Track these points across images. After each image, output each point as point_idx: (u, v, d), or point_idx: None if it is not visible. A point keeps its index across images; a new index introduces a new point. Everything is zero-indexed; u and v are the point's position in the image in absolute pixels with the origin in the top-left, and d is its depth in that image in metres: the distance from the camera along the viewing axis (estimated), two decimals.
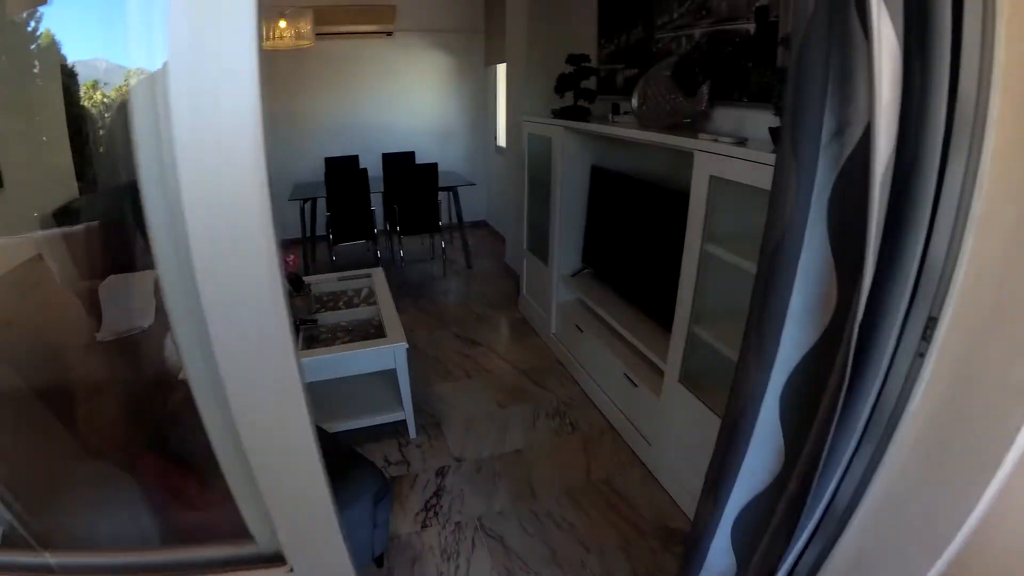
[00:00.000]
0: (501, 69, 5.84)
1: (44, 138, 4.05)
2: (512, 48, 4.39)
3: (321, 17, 5.69)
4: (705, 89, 2.26)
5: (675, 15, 2.60)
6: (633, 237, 2.80)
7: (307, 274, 5.02)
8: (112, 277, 3.57)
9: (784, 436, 1.16)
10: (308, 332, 2.94)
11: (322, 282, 3.58)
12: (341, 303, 3.29)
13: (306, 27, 4.28)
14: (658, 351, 2.42)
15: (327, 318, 3.07)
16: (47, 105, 4.24)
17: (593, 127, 2.84)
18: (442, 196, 5.14)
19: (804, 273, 1.02)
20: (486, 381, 3.36)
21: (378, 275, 3.51)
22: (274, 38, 4.22)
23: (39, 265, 3.32)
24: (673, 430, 2.32)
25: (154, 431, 2.32)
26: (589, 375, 3.12)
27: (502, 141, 5.81)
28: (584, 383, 3.19)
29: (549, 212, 3.44)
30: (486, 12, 5.98)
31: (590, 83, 3.29)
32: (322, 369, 2.61)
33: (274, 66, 5.99)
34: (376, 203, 5.57)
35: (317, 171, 5.80)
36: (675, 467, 2.34)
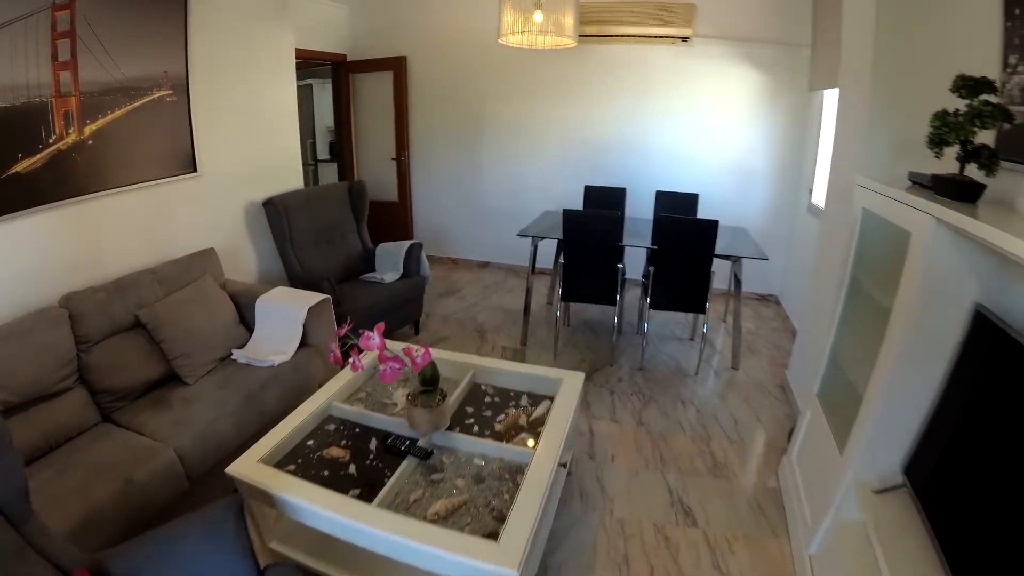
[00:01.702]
0: (830, 97, 4.17)
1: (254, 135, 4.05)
2: (850, 68, 2.82)
3: (600, 15, 4.78)
4: None
5: None
6: None
7: (523, 337, 4.19)
8: (278, 290, 3.15)
9: None
10: (422, 462, 2.04)
11: (499, 372, 2.64)
12: (498, 421, 2.31)
13: (568, 22, 3.35)
14: None
15: (462, 443, 2.14)
16: (279, 106, 4.17)
17: (997, 235, 1.26)
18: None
19: None
20: None
21: (570, 388, 2.44)
22: (524, 32, 3.36)
23: (210, 255, 3.28)
24: None
25: None
26: None
27: (820, 198, 4.15)
28: None
29: (873, 360, 1.91)
30: (815, 21, 4.32)
31: (988, 130, 1.68)
32: (387, 544, 1.68)
33: (528, 67, 5.31)
34: (637, 257, 4.50)
35: (573, 199, 4.93)
36: None
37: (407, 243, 4.20)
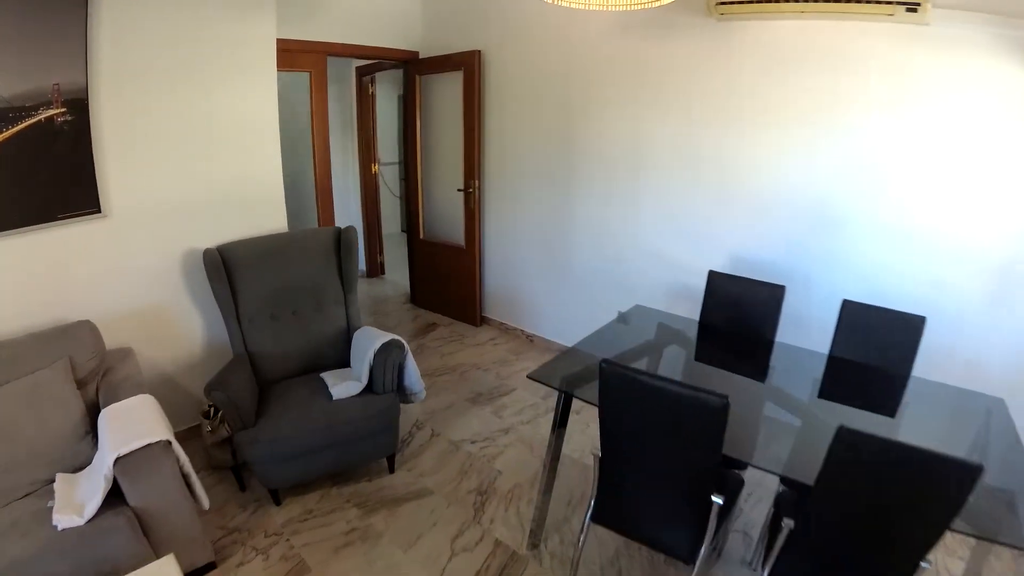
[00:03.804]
0: None
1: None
2: None
3: None
4: None
5: None
6: None
7: (533, 536, 2.24)
8: (137, 401, 2.15)
9: None
10: None
11: None
12: None
13: None
14: None
15: None
16: (248, 121, 2.97)
17: None
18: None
19: None
20: None
21: None
22: None
23: (82, 331, 2.32)
24: None
25: None
26: None
27: None
28: None
29: None
30: None
31: None
32: None
33: (643, 65, 3.48)
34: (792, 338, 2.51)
35: (702, 279, 2.94)
36: None
37: (383, 338, 2.69)
